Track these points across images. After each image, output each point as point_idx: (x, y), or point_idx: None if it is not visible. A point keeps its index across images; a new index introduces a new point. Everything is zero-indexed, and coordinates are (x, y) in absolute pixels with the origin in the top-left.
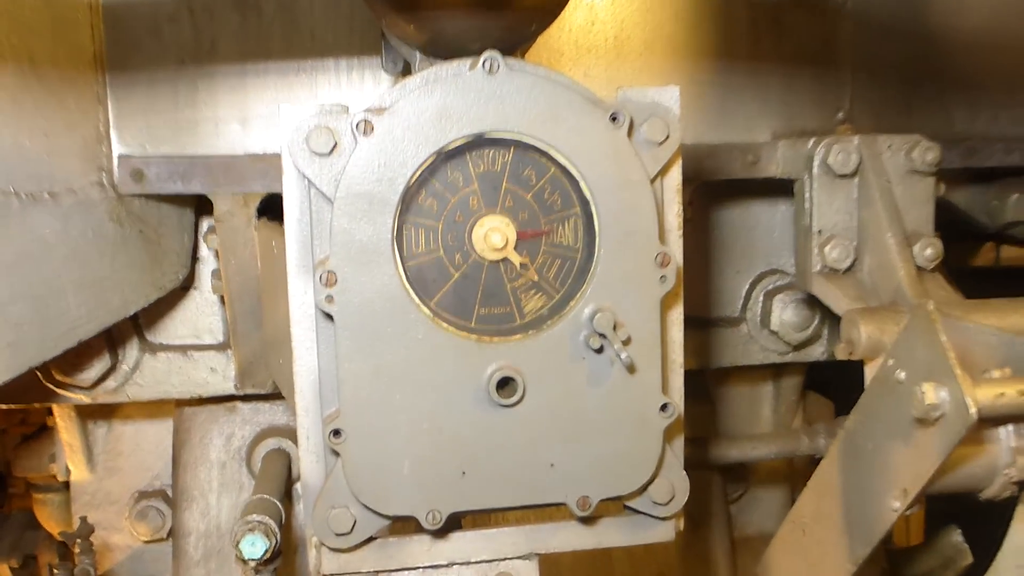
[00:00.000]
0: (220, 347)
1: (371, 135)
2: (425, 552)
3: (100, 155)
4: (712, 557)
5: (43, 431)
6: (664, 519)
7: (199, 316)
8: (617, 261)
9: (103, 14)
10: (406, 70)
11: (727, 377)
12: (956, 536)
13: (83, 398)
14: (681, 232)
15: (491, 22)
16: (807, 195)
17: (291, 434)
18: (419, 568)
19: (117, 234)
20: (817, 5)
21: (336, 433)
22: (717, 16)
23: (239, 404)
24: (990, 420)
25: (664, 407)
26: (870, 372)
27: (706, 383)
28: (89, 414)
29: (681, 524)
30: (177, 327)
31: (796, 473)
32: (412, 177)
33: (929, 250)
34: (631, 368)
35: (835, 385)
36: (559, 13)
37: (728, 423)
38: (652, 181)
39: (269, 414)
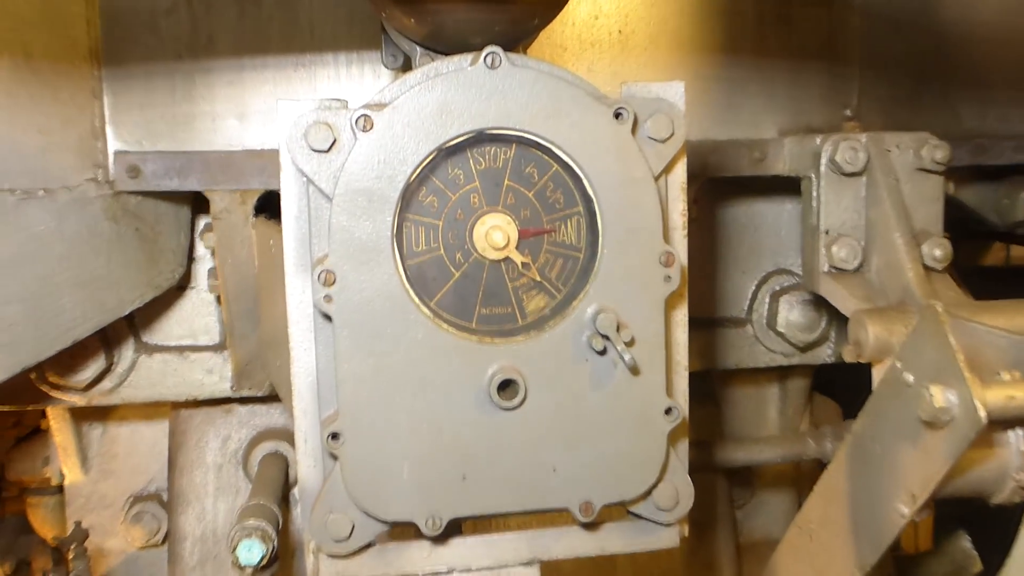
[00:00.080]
0: (216, 348)
1: (371, 131)
2: (425, 558)
3: (96, 151)
4: (717, 563)
5: (37, 433)
6: (668, 525)
7: (195, 316)
8: (620, 260)
9: (99, 7)
10: (406, 65)
11: (732, 379)
12: (965, 542)
13: (78, 400)
14: (686, 231)
15: (493, 16)
16: (814, 193)
17: (288, 437)
18: (419, 575)
19: (113, 232)
20: None
21: (334, 436)
22: (723, 10)
23: (236, 406)
24: (1000, 423)
25: (668, 410)
26: (878, 374)
27: (711, 385)
28: (84, 416)
29: (686, 530)
30: (173, 327)
31: (803, 477)
32: (412, 174)
33: (938, 250)
34: (635, 370)
35: (842, 388)
36: (562, 7)
37: (734, 426)
38: (656, 178)
39: (266, 416)
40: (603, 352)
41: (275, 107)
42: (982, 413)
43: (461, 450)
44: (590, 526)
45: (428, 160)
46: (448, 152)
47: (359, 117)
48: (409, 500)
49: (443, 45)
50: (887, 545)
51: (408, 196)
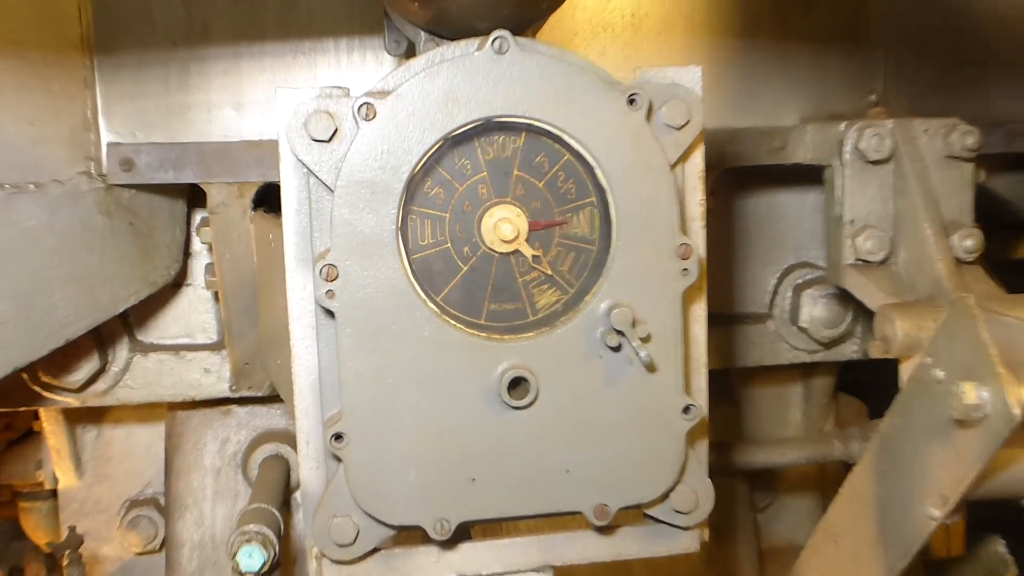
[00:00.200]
0: (214, 347)
1: (373, 120)
2: (433, 564)
3: (88, 143)
4: (738, 570)
5: (29, 436)
6: (687, 529)
7: (192, 314)
8: (635, 253)
9: None
10: (410, 51)
11: (753, 377)
12: (999, 546)
13: (71, 401)
14: (704, 222)
15: None
16: (838, 182)
17: (290, 439)
18: None
19: (106, 227)
20: None
21: (337, 437)
22: None
23: (234, 407)
24: None
25: (686, 409)
26: (906, 371)
27: (731, 384)
28: (77, 418)
29: (705, 534)
30: (169, 326)
31: (827, 480)
32: (417, 164)
33: (968, 241)
34: (651, 367)
35: (869, 386)
36: None
37: (755, 426)
38: (672, 168)
39: (266, 417)
40: (618, 349)
41: (273, 96)
42: (1016, 411)
43: (470, 451)
44: (605, 530)
45: (434, 150)
46: (454, 141)
47: (361, 105)
48: (416, 503)
49: (448, 30)
50: (916, 550)
51: (413, 187)
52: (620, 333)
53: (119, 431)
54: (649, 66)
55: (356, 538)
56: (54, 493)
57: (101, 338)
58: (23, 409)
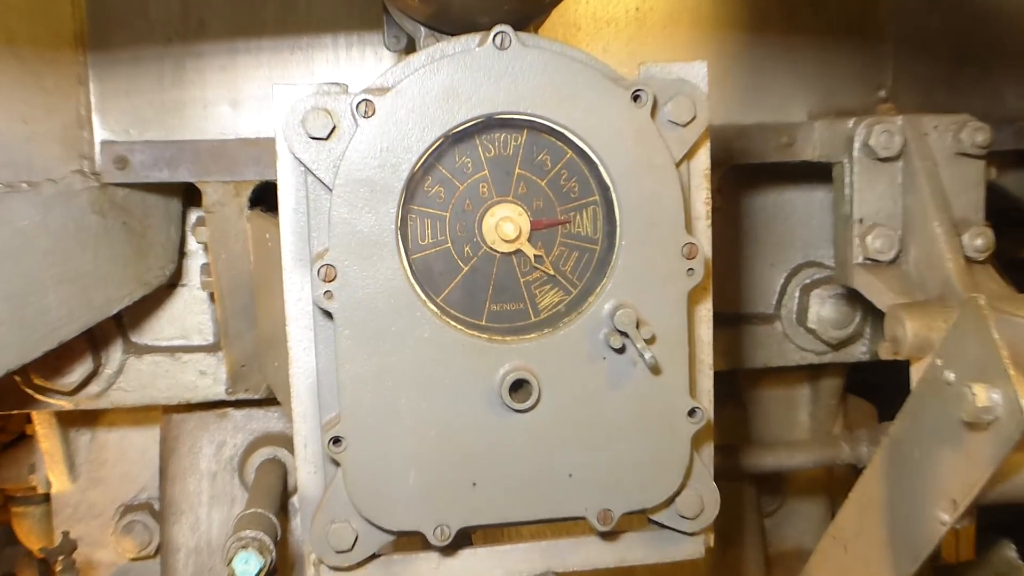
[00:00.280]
0: (210, 348)
1: (372, 117)
2: (433, 570)
3: (81, 141)
4: None
5: (22, 440)
6: (692, 534)
7: (187, 315)
8: (640, 253)
9: None
10: (410, 47)
11: (760, 379)
12: (1010, 551)
13: (64, 404)
14: (709, 221)
15: None
16: (847, 180)
17: (287, 442)
18: None
19: (100, 226)
20: None
21: (336, 441)
22: None
23: (231, 410)
24: None
25: (692, 411)
26: (916, 373)
27: (737, 385)
28: (71, 421)
29: (711, 540)
30: (164, 327)
31: (836, 484)
32: (417, 163)
33: (979, 239)
34: (655, 369)
35: (878, 388)
36: None
37: (762, 429)
38: (677, 165)
39: (263, 421)
40: (622, 350)
41: (270, 93)
42: None
43: (471, 455)
44: (608, 535)
45: (434, 147)
46: (455, 139)
47: (360, 102)
48: (415, 508)
49: (449, 25)
50: (927, 555)
51: (413, 186)
52: (624, 334)
53: (113, 434)
54: (654, 61)
55: (355, 544)
56: (47, 497)
57: (95, 340)
58: (16, 412)
